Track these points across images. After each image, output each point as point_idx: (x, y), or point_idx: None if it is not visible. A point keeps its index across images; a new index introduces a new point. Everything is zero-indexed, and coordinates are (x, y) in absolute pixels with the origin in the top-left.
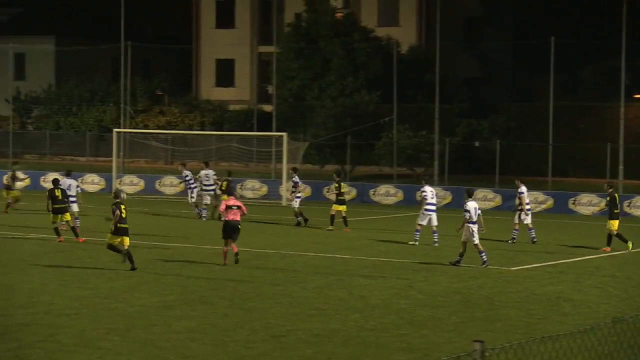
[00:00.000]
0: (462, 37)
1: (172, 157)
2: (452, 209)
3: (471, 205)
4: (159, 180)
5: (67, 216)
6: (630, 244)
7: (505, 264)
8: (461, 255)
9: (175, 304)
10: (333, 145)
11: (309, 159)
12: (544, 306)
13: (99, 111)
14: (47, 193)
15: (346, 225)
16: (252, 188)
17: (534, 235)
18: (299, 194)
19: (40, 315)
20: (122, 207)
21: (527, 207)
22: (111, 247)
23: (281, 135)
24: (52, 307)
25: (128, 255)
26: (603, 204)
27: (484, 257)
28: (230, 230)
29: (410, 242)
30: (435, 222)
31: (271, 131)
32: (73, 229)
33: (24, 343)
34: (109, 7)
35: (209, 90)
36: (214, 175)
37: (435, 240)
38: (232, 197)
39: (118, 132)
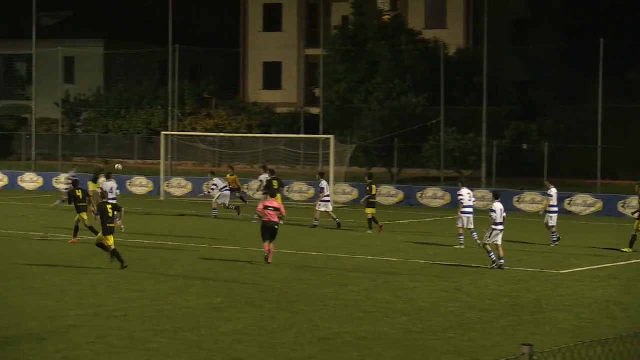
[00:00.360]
0: (510, 39)
1: (219, 159)
2: None
3: (497, 206)
4: (206, 183)
5: (84, 216)
6: (627, 250)
7: (553, 267)
8: (500, 258)
9: (222, 306)
10: (380, 148)
11: (356, 162)
12: (593, 310)
13: (147, 114)
14: (67, 195)
15: (376, 223)
16: (300, 191)
17: (554, 237)
18: (324, 199)
19: (89, 317)
20: (108, 207)
21: (554, 209)
22: (100, 245)
23: (328, 138)
24: (101, 309)
25: (115, 254)
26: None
27: (492, 256)
28: (267, 231)
29: (456, 247)
30: (471, 225)
31: (318, 134)
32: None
33: (73, 344)
34: (157, 11)
35: (257, 93)
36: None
37: (477, 239)
38: (274, 198)
39: (166, 135)
